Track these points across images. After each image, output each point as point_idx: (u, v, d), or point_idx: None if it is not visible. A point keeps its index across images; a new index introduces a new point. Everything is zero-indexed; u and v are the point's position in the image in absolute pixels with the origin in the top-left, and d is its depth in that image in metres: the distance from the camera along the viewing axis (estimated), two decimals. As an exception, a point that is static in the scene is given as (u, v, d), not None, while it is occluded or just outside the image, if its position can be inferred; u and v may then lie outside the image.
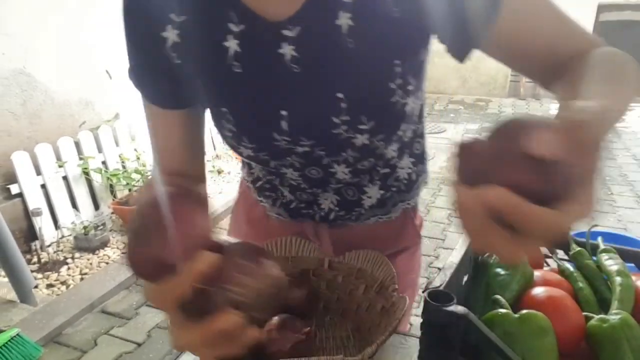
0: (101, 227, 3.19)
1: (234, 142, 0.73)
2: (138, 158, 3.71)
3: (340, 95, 0.65)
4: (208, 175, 4.26)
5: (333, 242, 0.90)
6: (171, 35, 0.64)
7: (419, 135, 0.84)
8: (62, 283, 2.77)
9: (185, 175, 0.76)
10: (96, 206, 3.43)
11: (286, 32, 0.62)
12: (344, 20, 0.60)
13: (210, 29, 0.64)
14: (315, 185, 0.81)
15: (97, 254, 3.04)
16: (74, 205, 3.27)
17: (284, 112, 0.67)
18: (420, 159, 0.86)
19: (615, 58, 0.59)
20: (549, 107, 6.96)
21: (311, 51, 0.63)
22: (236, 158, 4.59)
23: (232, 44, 0.63)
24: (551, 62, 0.62)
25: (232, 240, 0.52)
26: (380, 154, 0.76)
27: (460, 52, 0.63)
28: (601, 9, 7.04)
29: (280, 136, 0.69)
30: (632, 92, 0.56)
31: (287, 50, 0.63)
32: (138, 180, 3.56)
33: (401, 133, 0.74)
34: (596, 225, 0.83)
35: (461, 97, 7.59)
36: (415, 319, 2.61)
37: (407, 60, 0.65)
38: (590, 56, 0.58)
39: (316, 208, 0.86)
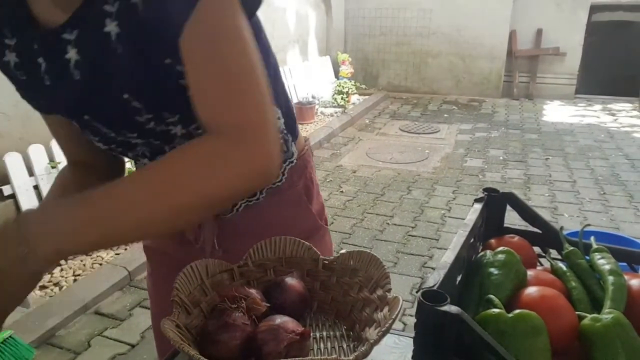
0: (94, 228, 3.18)
1: (86, 134, 0.79)
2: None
3: (126, 96, 0.67)
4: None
5: (219, 232, 0.92)
6: (11, 58, 0.72)
7: None
8: (55, 284, 2.75)
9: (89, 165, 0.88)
10: (89, 207, 3.41)
11: (67, 36, 0.65)
12: (112, 27, 0.63)
13: (25, 48, 0.70)
14: None
15: (90, 255, 3.03)
16: (67, 206, 3.25)
17: (87, 117, 0.73)
18: None
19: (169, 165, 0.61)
20: (542, 106, 7.00)
21: (90, 56, 0.66)
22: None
23: (41, 61, 0.69)
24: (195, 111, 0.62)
25: None
26: None
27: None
28: (594, 9, 7.08)
29: (105, 129, 0.74)
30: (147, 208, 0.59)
31: (72, 54, 0.66)
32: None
33: None
34: (589, 225, 0.83)
35: (455, 97, 7.62)
36: (409, 319, 2.62)
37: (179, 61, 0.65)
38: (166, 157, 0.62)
39: None
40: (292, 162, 0.91)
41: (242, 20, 0.62)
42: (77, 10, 0.64)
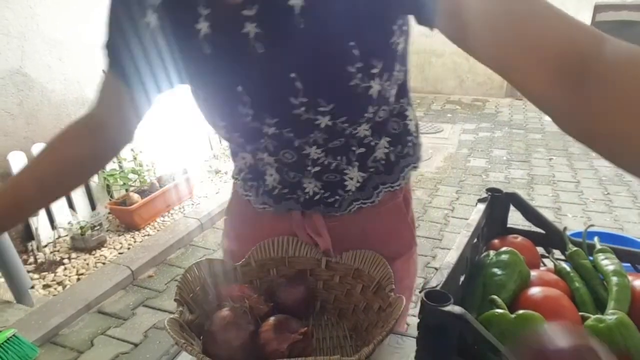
0: (98, 227, 3.18)
1: (210, 120, 0.77)
2: (135, 158, 3.70)
3: (293, 75, 0.67)
4: (205, 176, 4.25)
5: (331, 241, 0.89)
6: (152, 19, 0.70)
7: (395, 115, 0.82)
8: (59, 283, 2.76)
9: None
10: (93, 206, 3.42)
11: (246, 12, 0.65)
12: (296, 0, 0.63)
13: (184, 12, 0.69)
14: (293, 169, 0.82)
15: (93, 254, 3.04)
16: (71, 205, 3.26)
17: (239, 88, 0.70)
18: (398, 138, 0.84)
19: None
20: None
21: (270, 30, 0.66)
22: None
23: (203, 26, 0.68)
24: (540, 55, 0.51)
25: None
26: (350, 134, 0.75)
27: (428, 16, 0.58)
28: (598, 9, 7.05)
29: (244, 110, 0.72)
30: None
31: (250, 28, 0.66)
32: (135, 180, 3.56)
33: (370, 115, 0.73)
34: (592, 225, 0.83)
35: (458, 97, 7.60)
36: (412, 319, 2.60)
37: (367, 42, 0.65)
38: None
39: (300, 192, 0.84)
40: (415, 167, 0.88)
41: None
42: None
